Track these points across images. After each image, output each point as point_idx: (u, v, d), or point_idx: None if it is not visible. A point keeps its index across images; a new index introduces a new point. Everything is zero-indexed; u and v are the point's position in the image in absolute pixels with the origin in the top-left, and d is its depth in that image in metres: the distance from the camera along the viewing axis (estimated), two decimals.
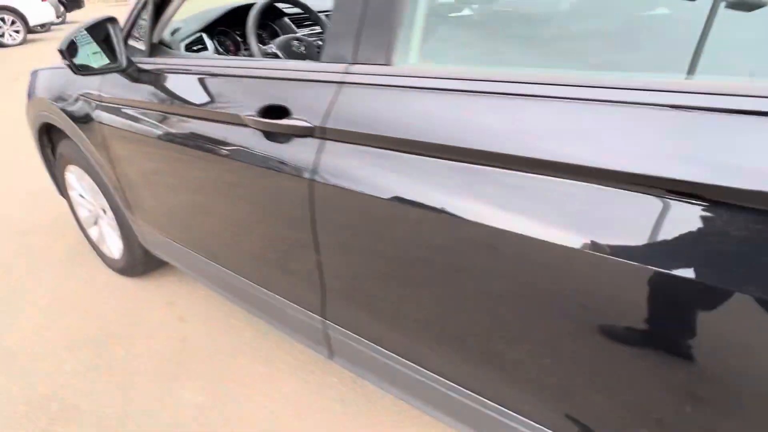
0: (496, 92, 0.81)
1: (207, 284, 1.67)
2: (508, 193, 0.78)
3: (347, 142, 0.97)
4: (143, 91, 1.43)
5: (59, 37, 10.68)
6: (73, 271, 2.30)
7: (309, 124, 1.01)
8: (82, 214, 2.25)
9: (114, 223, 2.01)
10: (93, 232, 2.27)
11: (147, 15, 1.42)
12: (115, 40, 1.36)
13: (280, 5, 1.83)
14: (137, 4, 1.44)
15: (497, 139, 0.78)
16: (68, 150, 2.00)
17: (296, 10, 1.94)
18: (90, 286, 2.19)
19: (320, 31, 1.96)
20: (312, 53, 1.71)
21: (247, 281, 1.39)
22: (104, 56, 1.37)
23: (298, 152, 1.04)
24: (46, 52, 8.69)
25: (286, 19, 1.90)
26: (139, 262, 2.05)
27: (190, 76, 1.31)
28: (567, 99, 0.73)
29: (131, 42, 1.50)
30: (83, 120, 1.71)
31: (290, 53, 1.63)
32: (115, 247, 2.14)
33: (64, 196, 2.36)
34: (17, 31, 9.86)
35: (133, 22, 1.47)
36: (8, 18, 9.71)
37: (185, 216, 1.51)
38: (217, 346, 1.80)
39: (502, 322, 0.87)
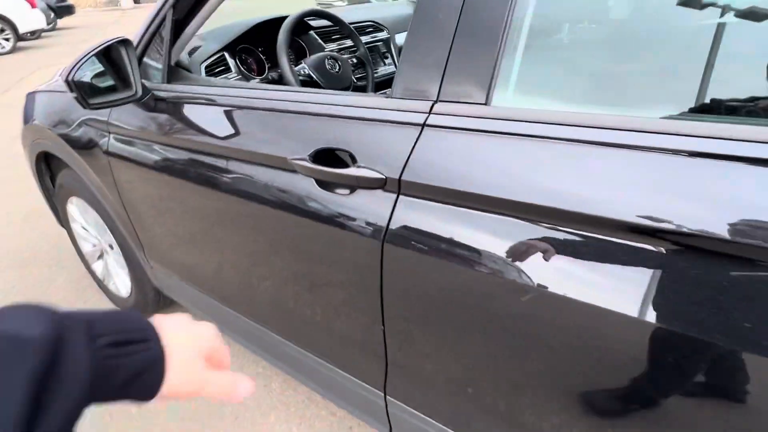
0: (628, 145, 0.62)
1: (237, 339, 1.47)
2: (635, 273, 0.61)
3: (430, 200, 0.78)
4: (161, 123, 1.24)
5: (50, 44, 10.47)
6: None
7: (380, 175, 0.82)
8: (86, 248, 2.05)
9: (122, 259, 1.81)
10: (97, 267, 2.06)
11: (164, 34, 1.23)
12: (129, 66, 1.16)
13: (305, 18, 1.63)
14: (152, 21, 1.25)
15: (631, 206, 0.60)
16: (70, 181, 1.80)
17: (323, 23, 1.75)
18: None
19: (351, 45, 1.77)
20: (347, 72, 1.52)
21: (290, 344, 1.20)
22: (116, 84, 1.17)
23: (365, 207, 0.86)
24: (36, 61, 8.44)
25: (313, 34, 1.71)
26: (151, 302, 1.85)
27: (218, 107, 1.12)
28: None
29: (145, 65, 1.30)
30: (89, 152, 1.51)
31: (324, 74, 1.44)
32: (122, 284, 1.93)
33: (64, 227, 2.16)
34: (7, 39, 9.59)
35: (148, 42, 1.27)
36: None
37: (213, 264, 1.31)
38: (244, 400, 1.61)
39: (593, 410, 0.72)
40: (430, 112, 0.78)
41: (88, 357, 0.33)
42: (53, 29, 12.37)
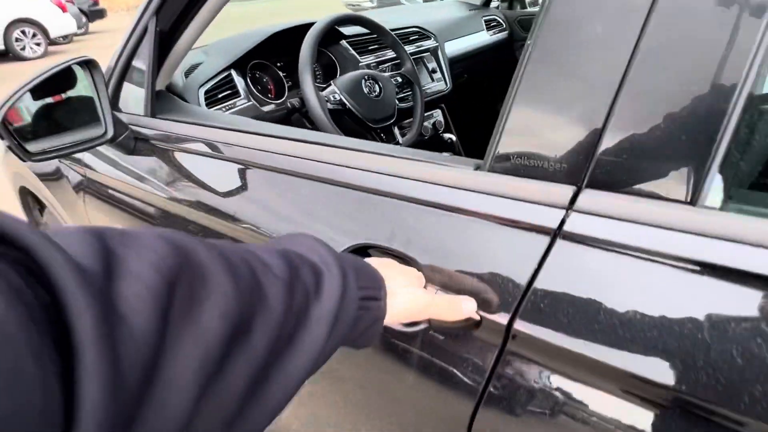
0: None
1: None
2: None
3: (566, 377, 0.42)
4: (143, 173, 0.92)
5: (82, 48, 10.40)
6: None
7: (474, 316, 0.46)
8: None
9: None
10: None
11: (146, 50, 0.90)
12: (96, 96, 0.84)
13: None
14: (131, 34, 0.92)
15: None
16: (53, 223, 1.50)
17: (356, 29, 1.40)
18: None
19: (392, 57, 1.41)
20: (390, 97, 1.16)
21: None
22: (78, 121, 0.85)
23: (445, 362, 0.50)
24: None
25: (345, 44, 1.36)
26: None
27: (211, 158, 0.79)
28: None
29: (125, 92, 0.98)
30: (66, 198, 1.20)
31: (361, 100, 1.09)
32: None
33: None
34: (38, 44, 9.57)
35: (127, 61, 0.95)
36: (29, 30, 9.43)
37: None
38: None
39: None
40: (569, 208, 0.42)
41: (355, 305, 0.37)
42: (85, 33, 12.39)
